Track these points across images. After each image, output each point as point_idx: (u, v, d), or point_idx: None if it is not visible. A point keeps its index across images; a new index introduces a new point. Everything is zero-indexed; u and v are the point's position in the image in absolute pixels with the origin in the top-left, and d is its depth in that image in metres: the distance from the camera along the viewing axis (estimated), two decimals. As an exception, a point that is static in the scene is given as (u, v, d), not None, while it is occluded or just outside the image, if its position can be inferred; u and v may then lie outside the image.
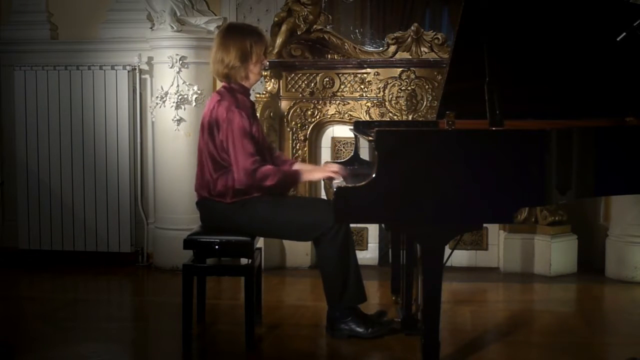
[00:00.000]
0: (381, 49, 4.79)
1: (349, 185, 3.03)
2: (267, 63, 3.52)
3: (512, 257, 4.71)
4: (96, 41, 5.04)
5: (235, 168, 3.30)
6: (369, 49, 4.87)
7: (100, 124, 4.90)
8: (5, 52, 5.13)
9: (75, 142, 4.92)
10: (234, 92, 3.42)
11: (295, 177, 3.45)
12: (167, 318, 3.85)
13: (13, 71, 4.99)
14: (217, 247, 3.34)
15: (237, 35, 3.41)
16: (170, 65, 4.71)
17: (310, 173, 3.55)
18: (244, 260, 3.50)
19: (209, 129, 3.36)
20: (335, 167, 3.50)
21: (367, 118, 4.67)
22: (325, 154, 4.89)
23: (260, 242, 3.79)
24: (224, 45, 3.40)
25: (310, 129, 4.80)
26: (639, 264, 4.51)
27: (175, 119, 4.73)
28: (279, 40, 4.70)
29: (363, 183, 2.92)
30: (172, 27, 4.68)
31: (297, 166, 3.63)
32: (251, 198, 3.35)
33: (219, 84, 4.79)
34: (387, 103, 4.69)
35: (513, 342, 3.46)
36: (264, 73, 4.55)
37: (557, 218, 4.64)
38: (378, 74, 4.70)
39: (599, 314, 4.05)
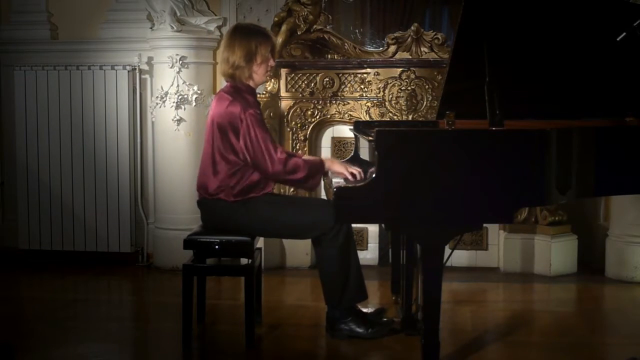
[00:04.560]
0: (381, 49, 4.79)
1: (349, 185, 3.03)
2: (273, 64, 3.49)
3: (512, 257, 4.71)
4: (96, 41, 5.04)
5: (267, 160, 3.29)
6: (369, 49, 4.87)
7: (100, 124, 4.90)
8: (5, 52, 5.13)
9: (75, 142, 4.92)
10: (241, 92, 3.41)
11: (320, 165, 3.41)
12: (167, 318, 3.84)
13: (13, 71, 5.00)
14: (217, 247, 3.34)
15: (243, 35, 3.40)
16: (170, 65, 4.71)
17: (332, 163, 3.50)
18: (244, 260, 3.50)
19: (219, 129, 3.35)
20: (356, 170, 3.39)
21: (367, 118, 4.67)
22: (325, 154, 4.89)
23: (260, 242, 3.79)
24: (230, 45, 3.40)
25: (310, 129, 4.80)
26: (639, 264, 4.51)
27: (175, 119, 4.73)
28: (279, 40, 4.69)
29: (363, 183, 2.92)
30: (172, 27, 4.68)
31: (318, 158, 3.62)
32: (252, 198, 3.35)
33: (220, 84, 4.82)
34: (387, 103, 4.70)
35: (513, 342, 3.46)
36: (266, 73, 4.55)
37: (557, 218, 4.64)
38: (378, 74, 4.70)
39: (599, 314, 4.05)
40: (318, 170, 3.40)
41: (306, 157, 3.60)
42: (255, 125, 3.30)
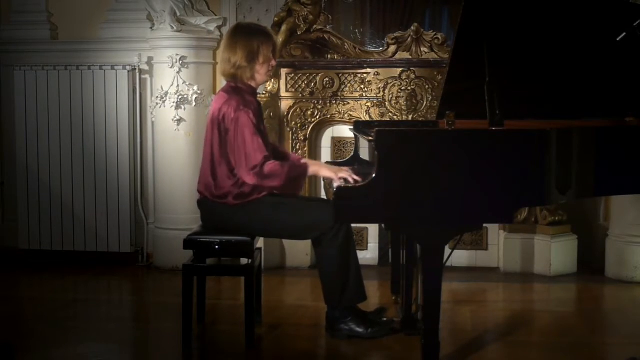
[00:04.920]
0: (381, 49, 4.79)
1: (349, 185, 3.03)
2: (275, 63, 3.48)
3: (512, 257, 4.71)
4: (96, 41, 5.04)
5: (243, 165, 3.27)
6: (369, 49, 4.87)
7: (100, 124, 4.90)
8: (5, 52, 5.13)
9: (75, 142, 4.92)
10: (241, 91, 3.40)
11: (302, 169, 3.36)
12: (167, 318, 3.84)
13: (13, 71, 4.99)
14: (217, 247, 3.34)
15: (244, 35, 3.39)
16: (170, 65, 4.71)
17: (320, 168, 3.46)
18: (244, 260, 3.50)
19: (216, 128, 3.35)
20: (347, 174, 3.28)
21: (367, 118, 4.67)
22: (325, 154, 4.89)
23: (260, 242, 3.79)
24: (231, 45, 3.38)
25: (310, 129, 4.80)
26: (639, 264, 4.51)
27: (175, 119, 4.73)
28: (279, 40, 4.68)
29: (363, 183, 2.92)
30: (172, 27, 4.68)
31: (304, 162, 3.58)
32: (252, 199, 3.35)
33: (220, 84, 4.81)
34: (387, 103, 4.70)
35: (513, 342, 3.46)
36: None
37: (557, 218, 4.64)
38: (378, 74, 4.70)
39: (599, 314, 4.05)
40: (299, 176, 3.33)
41: (308, 160, 3.59)
42: (240, 128, 3.26)
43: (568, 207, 4.66)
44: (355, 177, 3.24)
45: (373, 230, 4.87)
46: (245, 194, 3.34)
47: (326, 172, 3.42)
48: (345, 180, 3.24)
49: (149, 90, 4.97)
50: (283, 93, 4.79)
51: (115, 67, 4.87)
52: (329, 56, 4.79)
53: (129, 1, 5.00)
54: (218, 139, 3.35)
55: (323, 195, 4.76)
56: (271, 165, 3.26)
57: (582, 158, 3.06)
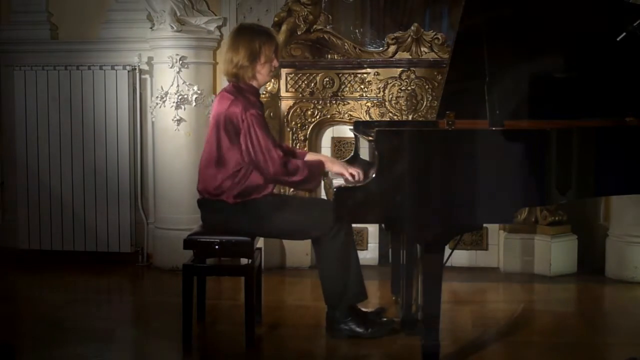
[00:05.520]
0: (381, 49, 4.79)
1: (349, 185, 3.03)
2: (277, 64, 3.49)
3: (512, 257, 4.71)
4: (96, 41, 5.04)
5: (268, 162, 3.28)
6: (369, 49, 4.87)
7: (100, 124, 4.90)
8: (5, 52, 5.13)
9: (75, 142, 4.92)
10: (244, 92, 3.40)
11: (320, 166, 3.42)
12: (167, 318, 3.84)
13: (13, 71, 4.99)
14: (217, 247, 3.34)
15: (247, 35, 3.41)
16: (170, 65, 4.70)
17: (333, 164, 3.49)
18: (244, 260, 3.50)
19: (220, 129, 3.35)
20: (355, 171, 3.38)
21: (367, 118, 4.67)
22: (325, 153, 4.87)
23: (260, 242, 3.79)
24: (234, 45, 3.40)
25: (310, 129, 4.80)
26: (639, 264, 4.50)
27: (175, 119, 4.73)
28: (279, 40, 4.69)
29: (363, 183, 2.92)
30: (172, 27, 4.67)
31: (309, 156, 3.61)
32: (253, 198, 3.35)
33: (220, 84, 4.81)
34: (387, 103, 4.69)
35: (513, 342, 3.46)
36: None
37: (557, 218, 4.64)
38: (378, 74, 4.70)
39: (599, 314, 4.05)
40: (318, 171, 3.40)
41: (309, 155, 3.61)
42: (256, 126, 3.29)
43: (568, 207, 4.66)
44: (354, 174, 3.33)
45: (373, 230, 4.87)
46: (245, 193, 3.34)
47: (338, 167, 3.46)
48: (354, 176, 3.32)
49: (149, 90, 4.97)
50: (283, 93, 4.79)
51: (115, 67, 4.87)
52: (329, 56, 4.79)
53: (129, 1, 5.00)
54: (223, 139, 3.34)
55: (323, 195, 4.76)
56: (294, 162, 3.34)
57: (582, 158, 3.06)
